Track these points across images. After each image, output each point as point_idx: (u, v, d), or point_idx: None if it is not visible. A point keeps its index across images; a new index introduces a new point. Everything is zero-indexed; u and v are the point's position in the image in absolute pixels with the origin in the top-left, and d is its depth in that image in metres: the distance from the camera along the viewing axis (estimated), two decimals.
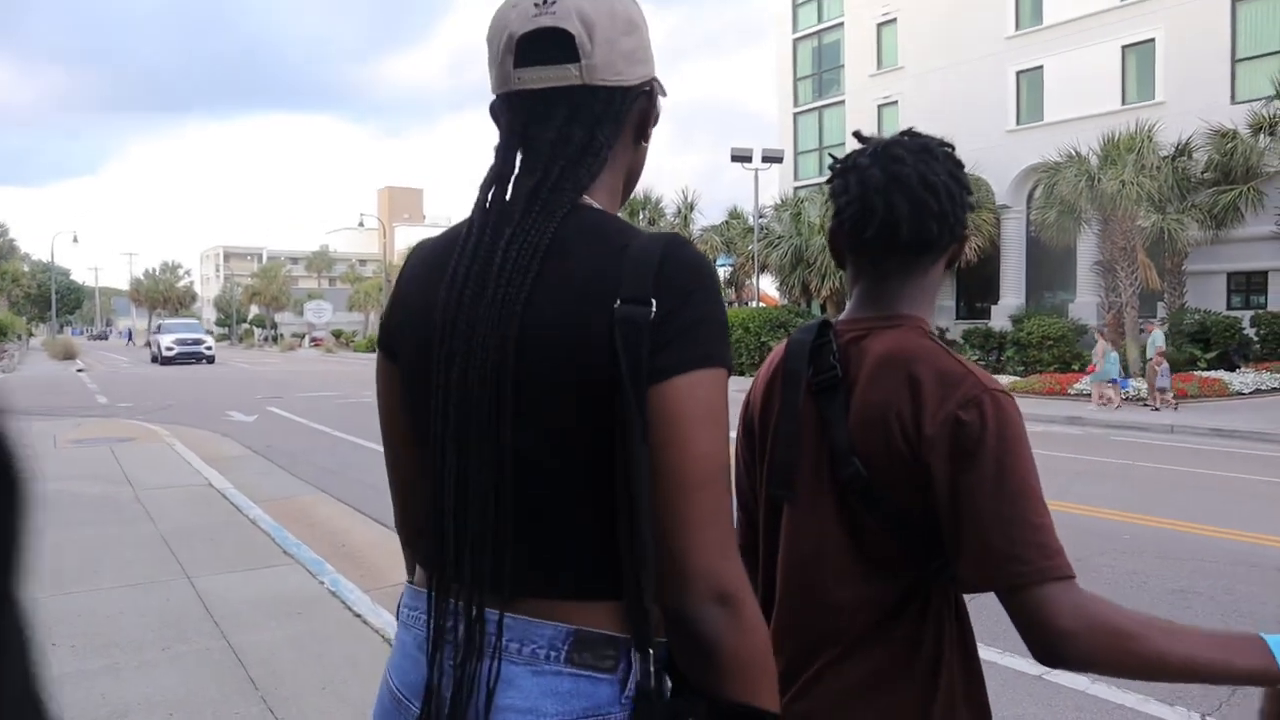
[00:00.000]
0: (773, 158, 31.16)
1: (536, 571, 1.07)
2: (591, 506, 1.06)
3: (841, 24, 36.72)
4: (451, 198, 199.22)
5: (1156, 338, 18.38)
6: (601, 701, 1.04)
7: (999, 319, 28.43)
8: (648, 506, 0.98)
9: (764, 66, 41.17)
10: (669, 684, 1.05)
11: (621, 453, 1.00)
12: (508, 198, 1.11)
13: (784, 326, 28.71)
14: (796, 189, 36.71)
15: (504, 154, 1.14)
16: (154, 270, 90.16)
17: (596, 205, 1.11)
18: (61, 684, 3.98)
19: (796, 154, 38.42)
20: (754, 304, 35.17)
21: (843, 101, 36.74)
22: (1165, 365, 17.69)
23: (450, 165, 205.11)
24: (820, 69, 38.37)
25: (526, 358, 1.03)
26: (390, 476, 1.25)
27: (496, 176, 1.13)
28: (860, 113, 35.39)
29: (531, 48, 1.09)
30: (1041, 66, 29.13)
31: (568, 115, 1.10)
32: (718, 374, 1.01)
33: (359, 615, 5.02)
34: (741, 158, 30.51)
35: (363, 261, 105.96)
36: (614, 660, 1.04)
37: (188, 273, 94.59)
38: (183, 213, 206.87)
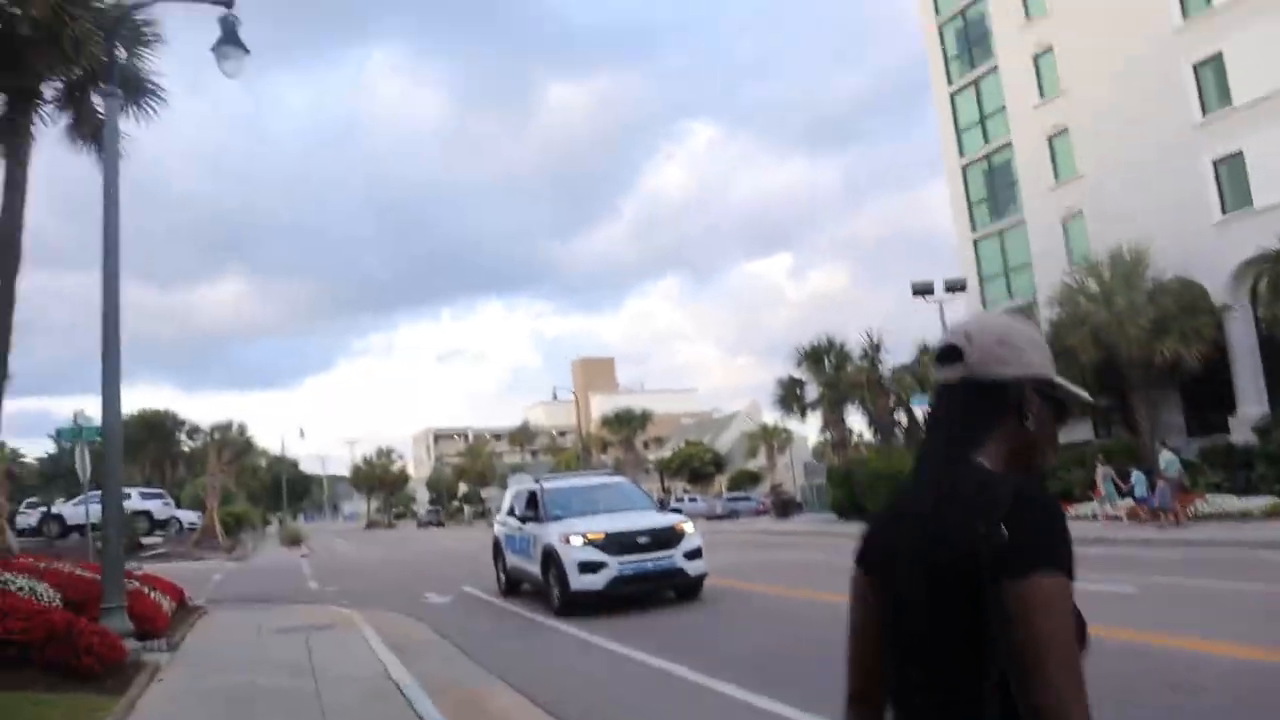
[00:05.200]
0: (955, 286, 30.13)
1: None
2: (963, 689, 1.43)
3: (1010, 143, 35.80)
4: (641, 364, 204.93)
5: None
6: None
7: (1239, 432, 25.51)
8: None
9: (940, 196, 40.44)
10: None
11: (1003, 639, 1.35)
12: (930, 454, 1.60)
13: None
14: None
15: (930, 422, 1.65)
16: (371, 456, 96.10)
17: (982, 462, 1.53)
18: None
19: (981, 280, 37.01)
20: None
21: (1023, 221, 35.39)
22: None
23: (639, 332, 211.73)
24: (994, 191, 37.32)
25: (932, 572, 1.45)
26: (860, 680, 1.66)
27: (927, 438, 1.64)
28: (1043, 230, 33.91)
29: (941, 355, 1.63)
30: (1241, 151, 27.02)
31: (961, 399, 1.59)
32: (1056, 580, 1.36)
33: None
34: (923, 290, 29.68)
35: (562, 433, 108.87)
36: None
37: (400, 456, 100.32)
38: (397, 399, 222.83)
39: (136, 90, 15.48)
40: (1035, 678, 1.30)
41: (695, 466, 68.56)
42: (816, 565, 18.00)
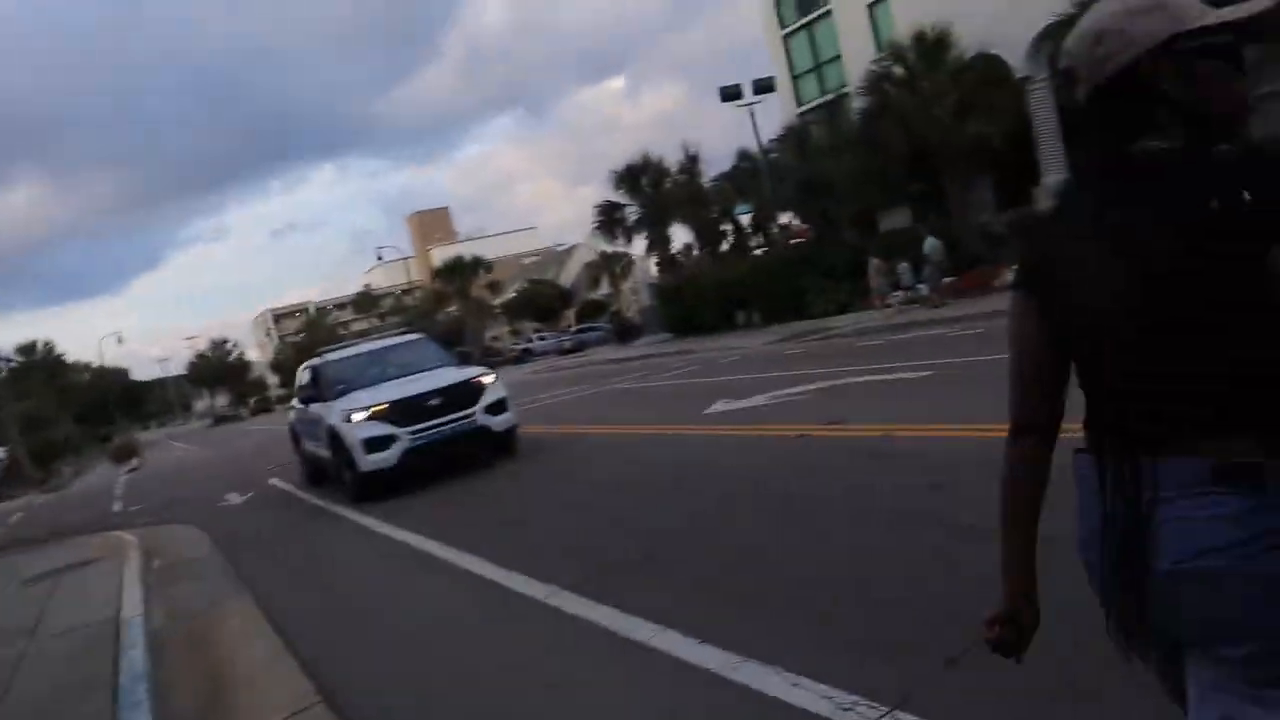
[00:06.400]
0: (764, 88, 29.12)
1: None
2: None
3: None
4: (484, 210, 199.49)
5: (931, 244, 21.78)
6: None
7: (1045, 200, 25.92)
8: None
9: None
10: None
11: None
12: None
13: (809, 262, 26.81)
14: (802, 115, 34.49)
15: (1090, 142, 1.55)
16: (205, 350, 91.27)
17: None
18: None
19: (794, 78, 36.07)
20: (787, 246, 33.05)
21: (830, 12, 34.33)
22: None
23: (479, 176, 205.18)
24: None
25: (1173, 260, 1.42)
26: (1030, 408, 1.64)
27: (1085, 155, 1.56)
28: (851, 19, 32.96)
29: (1065, 81, 1.57)
30: None
31: (1104, 112, 1.51)
32: None
33: None
34: (731, 95, 28.58)
35: (406, 291, 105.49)
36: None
37: (235, 344, 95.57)
38: (237, 285, 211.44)
39: None
40: None
41: (541, 304, 67.52)
42: (642, 394, 17.62)
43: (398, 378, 12.36)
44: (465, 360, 14.25)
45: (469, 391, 11.76)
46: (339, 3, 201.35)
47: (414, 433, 11.21)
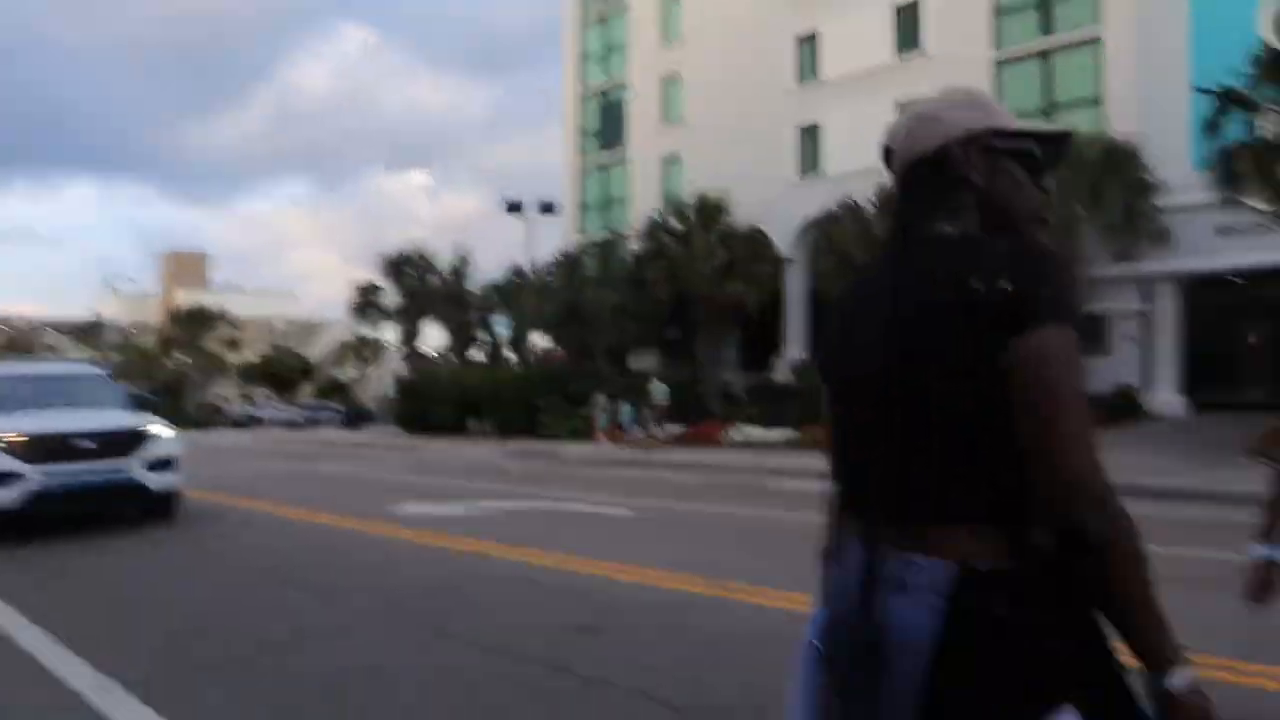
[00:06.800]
0: (546, 208, 29.48)
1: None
2: None
3: (627, 83, 35.88)
4: (253, 265, 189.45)
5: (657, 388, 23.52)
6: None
7: (781, 372, 27.52)
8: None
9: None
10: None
11: None
12: (894, 240, 1.57)
13: (553, 383, 26.88)
14: (582, 246, 35.22)
15: (893, 220, 1.57)
16: None
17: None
18: None
19: (583, 210, 36.94)
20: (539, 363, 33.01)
21: (628, 158, 35.68)
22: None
23: (255, 232, 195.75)
24: (607, 125, 37.35)
25: (920, 345, 1.38)
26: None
27: (890, 234, 1.58)
28: (645, 168, 34.37)
29: (885, 161, 1.63)
30: (818, 123, 28.97)
31: (911, 187, 1.54)
32: (1067, 331, 1.32)
33: None
34: (514, 207, 28.72)
35: (138, 330, 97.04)
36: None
37: None
38: None
39: None
40: (1053, 434, 1.24)
41: (281, 374, 63.82)
42: (345, 481, 16.51)
43: (54, 409, 10.68)
44: (144, 407, 12.63)
45: (130, 439, 10.31)
46: (151, 20, 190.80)
47: (49, 474, 9.63)
